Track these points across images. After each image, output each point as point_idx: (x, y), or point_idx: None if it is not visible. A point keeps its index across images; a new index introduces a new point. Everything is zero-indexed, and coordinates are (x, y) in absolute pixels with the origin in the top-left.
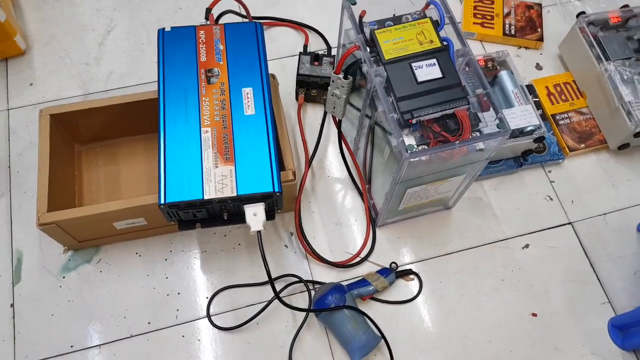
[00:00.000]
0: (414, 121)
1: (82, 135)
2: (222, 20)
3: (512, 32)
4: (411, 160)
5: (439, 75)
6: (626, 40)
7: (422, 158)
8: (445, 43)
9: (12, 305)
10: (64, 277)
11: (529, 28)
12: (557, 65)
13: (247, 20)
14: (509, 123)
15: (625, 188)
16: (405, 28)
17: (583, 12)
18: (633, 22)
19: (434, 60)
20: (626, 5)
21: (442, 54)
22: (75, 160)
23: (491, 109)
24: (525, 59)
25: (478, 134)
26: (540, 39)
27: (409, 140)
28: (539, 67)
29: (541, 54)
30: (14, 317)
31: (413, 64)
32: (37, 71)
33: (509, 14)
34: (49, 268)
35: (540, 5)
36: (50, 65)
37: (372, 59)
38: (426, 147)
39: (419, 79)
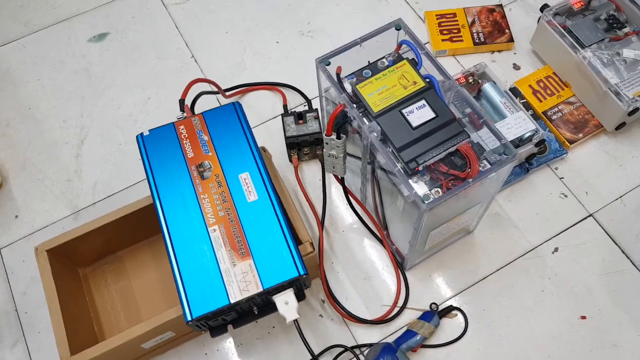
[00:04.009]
0: (420, 168)
1: (84, 258)
2: (197, 105)
3: (482, 39)
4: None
5: (432, 115)
6: (594, 23)
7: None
8: (428, 80)
9: None
10: None
11: (496, 31)
12: (534, 61)
13: (219, 95)
14: (505, 135)
15: (632, 165)
16: (386, 76)
17: (546, 5)
18: (595, 2)
19: (423, 102)
20: None
21: (428, 92)
22: (82, 285)
23: (485, 127)
24: (502, 63)
25: (485, 161)
26: (511, 40)
27: (420, 188)
28: (516, 67)
29: (515, 53)
30: None
31: (403, 111)
32: (19, 201)
33: (473, 22)
34: None
35: (501, 5)
36: (31, 191)
37: (360, 114)
38: (439, 189)
39: (414, 124)
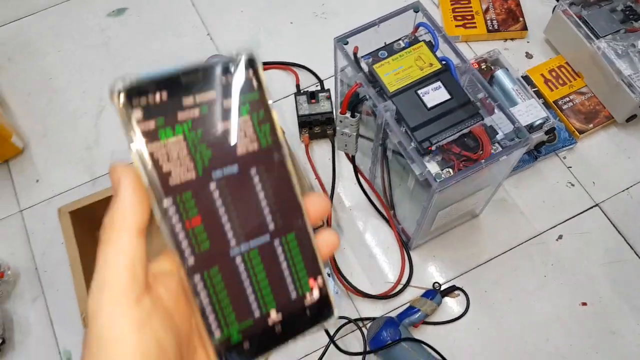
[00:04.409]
0: (433, 148)
1: (100, 221)
2: None
3: (496, 26)
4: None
5: (447, 97)
6: (610, 14)
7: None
8: (444, 62)
9: None
10: None
11: (510, 19)
12: (547, 50)
13: None
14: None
15: None
16: (402, 57)
17: None
18: None
19: (439, 83)
20: None
21: (444, 74)
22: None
23: (496, 110)
24: (514, 51)
25: (497, 144)
26: (524, 28)
27: (432, 167)
28: (529, 55)
29: (528, 42)
30: None
31: (419, 91)
32: (40, 166)
33: (487, 9)
34: None
35: None
36: (52, 158)
37: (376, 93)
38: (450, 169)
39: (429, 105)
